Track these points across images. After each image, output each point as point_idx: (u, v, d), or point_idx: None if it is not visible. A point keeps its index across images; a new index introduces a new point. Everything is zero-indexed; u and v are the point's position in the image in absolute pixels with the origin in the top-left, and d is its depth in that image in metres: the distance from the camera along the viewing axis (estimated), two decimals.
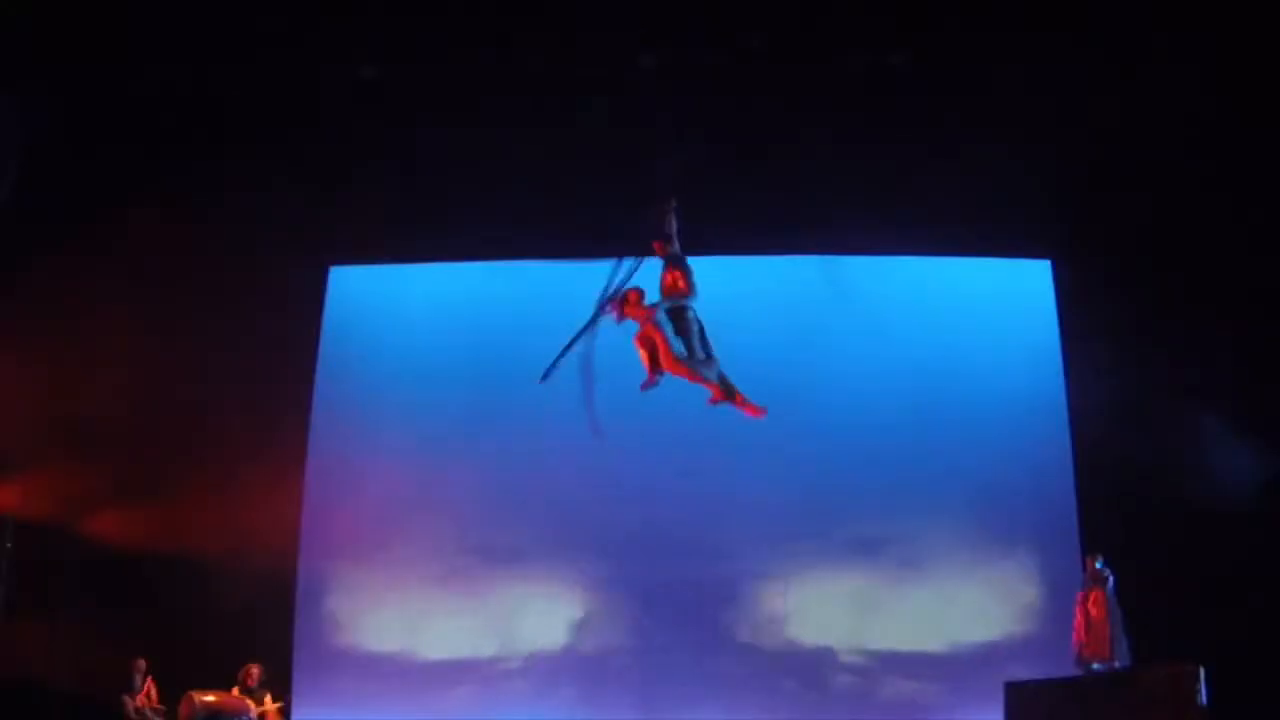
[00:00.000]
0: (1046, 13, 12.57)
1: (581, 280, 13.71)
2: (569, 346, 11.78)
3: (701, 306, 10.86)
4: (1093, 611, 11.85)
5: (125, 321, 13.55)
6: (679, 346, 10.55)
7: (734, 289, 13.06)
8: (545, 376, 11.89)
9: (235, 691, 12.64)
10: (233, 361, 14.09)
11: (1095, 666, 11.76)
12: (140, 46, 12.99)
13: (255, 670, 12.88)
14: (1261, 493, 13.03)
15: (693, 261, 11.15)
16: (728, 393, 10.66)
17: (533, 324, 13.85)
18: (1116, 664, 11.67)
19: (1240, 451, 13.12)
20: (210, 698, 12.29)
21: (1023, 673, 12.53)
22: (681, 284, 10.88)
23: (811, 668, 13.84)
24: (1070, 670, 12.00)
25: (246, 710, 12.40)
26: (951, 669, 13.63)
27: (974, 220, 14.04)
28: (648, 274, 11.23)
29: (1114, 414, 13.52)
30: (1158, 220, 13.61)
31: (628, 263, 11.43)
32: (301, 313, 14.70)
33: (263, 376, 14.22)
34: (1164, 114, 12.94)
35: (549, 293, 14.34)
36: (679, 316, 10.68)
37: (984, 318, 14.47)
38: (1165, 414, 13.35)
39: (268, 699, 12.91)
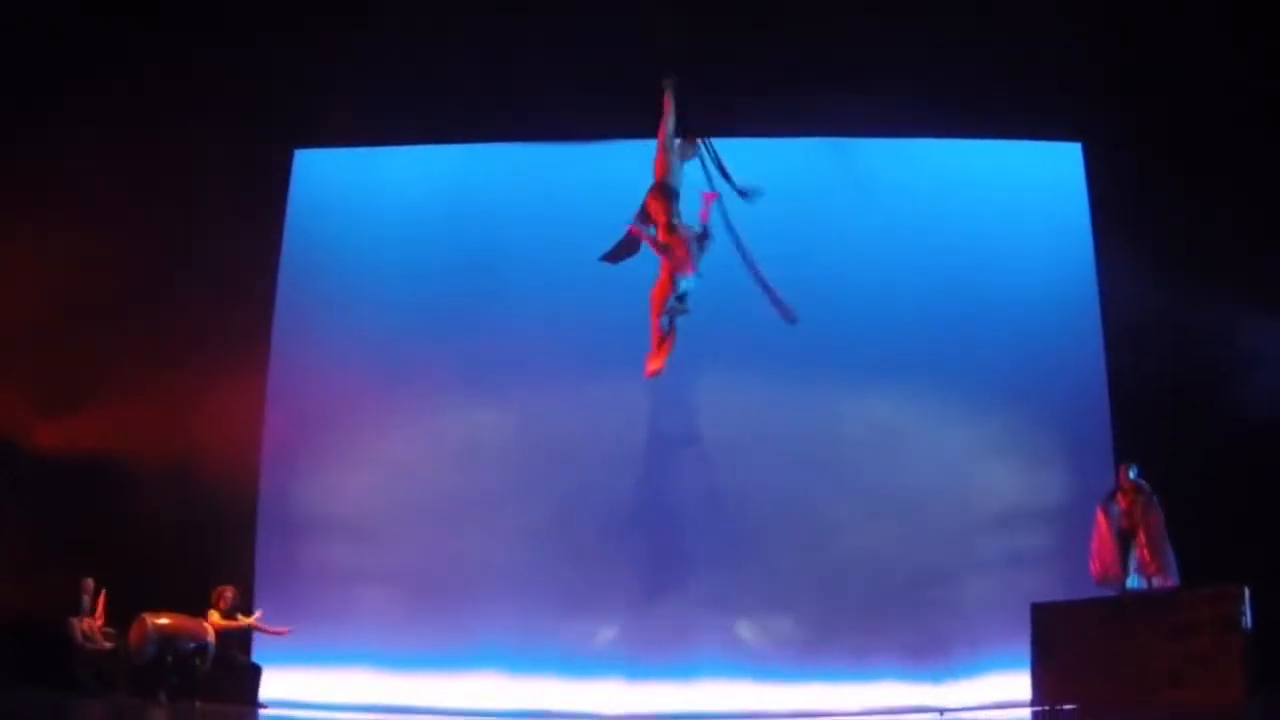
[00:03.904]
0: None
1: (563, 164, 14.08)
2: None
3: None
4: (1149, 522, 11.33)
5: (73, 209, 12.85)
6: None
7: (742, 174, 12.02)
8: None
9: (210, 614, 12.04)
10: (190, 253, 13.48)
11: (1131, 584, 11.31)
12: None
13: (229, 594, 12.38)
14: None
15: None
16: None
17: (510, 211, 13.92)
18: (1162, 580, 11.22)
19: None
20: (164, 620, 11.69)
21: (1049, 588, 12.12)
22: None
23: (827, 578, 13.28)
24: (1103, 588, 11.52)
25: (204, 633, 11.76)
26: (973, 582, 13.14)
27: (998, 100, 13.40)
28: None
29: (1150, 310, 12.90)
30: (1197, 101, 12.93)
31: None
32: (265, 199, 14.05)
33: (223, 269, 13.58)
34: None
35: (529, 177, 14.04)
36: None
37: (1010, 206, 13.94)
38: (1205, 312, 12.69)
39: (240, 617, 12.40)
